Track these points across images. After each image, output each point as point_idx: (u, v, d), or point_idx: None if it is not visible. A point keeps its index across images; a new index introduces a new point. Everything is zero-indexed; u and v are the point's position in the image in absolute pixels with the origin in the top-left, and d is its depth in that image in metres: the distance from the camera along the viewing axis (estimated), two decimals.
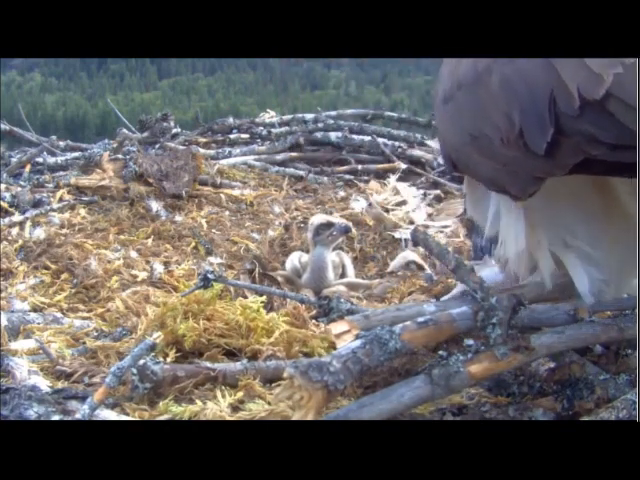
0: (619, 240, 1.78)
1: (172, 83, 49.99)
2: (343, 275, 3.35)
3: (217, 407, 1.66)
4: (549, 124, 1.45)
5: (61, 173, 4.56)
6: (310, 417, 1.34)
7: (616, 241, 1.79)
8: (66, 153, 5.24)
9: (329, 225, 3.24)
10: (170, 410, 1.66)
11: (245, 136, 5.71)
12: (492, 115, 1.59)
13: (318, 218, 3.36)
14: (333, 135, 5.52)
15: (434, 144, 5.42)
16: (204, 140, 5.61)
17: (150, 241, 3.56)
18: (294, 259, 3.36)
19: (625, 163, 1.42)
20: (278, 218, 4.09)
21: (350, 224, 3.46)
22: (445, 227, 3.93)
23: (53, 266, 3.08)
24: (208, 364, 1.85)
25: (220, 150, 5.29)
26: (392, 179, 4.54)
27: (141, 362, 1.73)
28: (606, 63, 1.41)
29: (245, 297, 2.39)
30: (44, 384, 1.84)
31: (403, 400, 1.47)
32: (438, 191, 4.60)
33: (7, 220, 3.57)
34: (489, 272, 2.09)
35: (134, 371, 1.72)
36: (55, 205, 3.87)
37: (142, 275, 3.08)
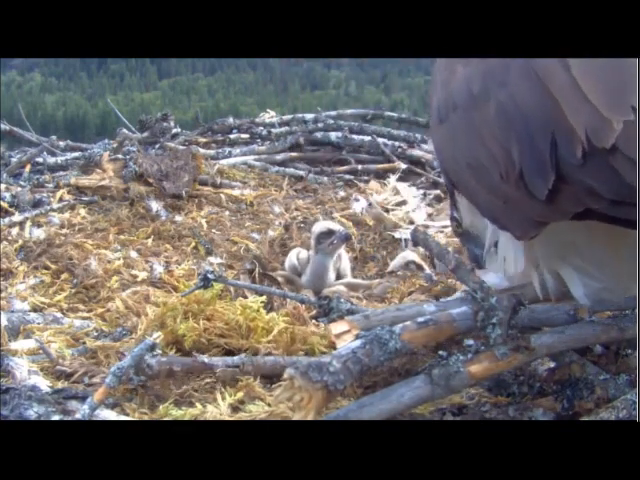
0: (623, 256, 1.72)
1: (172, 83, 49.99)
2: (339, 271, 3.34)
3: (217, 410, 1.66)
4: (550, 170, 1.39)
5: (61, 173, 4.55)
6: (310, 418, 1.34)
7: (620, 258, 1.73)
8: (66, 153, 5.23)
9: (330, 233, 3.22)
10: (170, 414, 1.66)
11: (245, 136, 5.70)
12: (490, 146, 1.54)
13: (319, 226, 3.33)
14: (333, 135, 5.51)
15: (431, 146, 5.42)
16: (204, 140, 5.60)
17: (150, 241, 3.55)
18: (292, 256, 3.36)
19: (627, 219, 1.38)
20: (278, 218, 4.09)
21: (350, 232, 3.44)
22: (445, 227, 3.92)
23: (53, 266, 3.08)
24: (205, 358, 1.84)
25: (220, 150, 5.28)
26: (392, 179, 4.54)
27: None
28: (615, 106, 1.34)
29: (245, 297, 2.39)
30: (44, 384, 1.84)
31: (403, 400, 1.47)
32: (438, 191, 4.59)
33: (7, 220, 3.57)
34: (494, 278, 2.07)
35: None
36: (55, 205, 3.86)
37: (142, 275, 3.08)
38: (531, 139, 1.43)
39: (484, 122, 1.55)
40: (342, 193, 4.56)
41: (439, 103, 1.77)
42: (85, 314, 2.68)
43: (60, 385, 1.88)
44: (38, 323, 2.46)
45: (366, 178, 4.91)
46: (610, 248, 1.72)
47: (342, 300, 2.01)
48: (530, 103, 1.44)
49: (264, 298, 2.16)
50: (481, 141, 1.57)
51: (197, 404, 1.70)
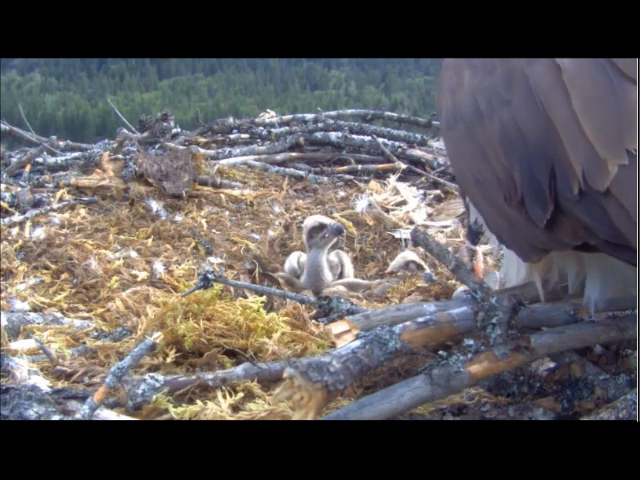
0: None
1: (172, 83, 50.01)
2: (342, 275, 3.35)
3: (217, 407, 1.66)
4: (549, 200, 1.39)
5: (61, 173, 4.56)
6: (310, 417, 1.34)
7: None
8: (66, 153, 5.24)
9: (321, 227, 3.23)
10: (168, 409, 1.65)
11: (245, 136, 5.70)
12: (494, 165, 1.53)
13: (310, 220, 3.33)
14: (333, 135, 5.51)
15: (436, 144, 5.41)
16: (204, 140, 5.60)
17: (150, 241, 3.56)
18: (292, 260, 3.36)
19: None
20: (278, 218, 4.09)
21: (342, 225, 3.44)
22: (445, 227, 3.93)
23: (53, 266, 3.08)
24: (208, 375, 1.80)
25: (220, 150, 5.28)
26: (392, 179, 4.54)
27: (139, 391, 1.69)
28: (612, 147, 1.33)
29: (245, 297, 2.39)
30: (44, 384, 1.84)
31: (403, 400, 1.47)
32: (438, 191, 4.60)
33: (7, 220, 3.58)
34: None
35: (130, 403, 1.68)
36: (55, 205, 3.87)
37: (142, 275, 3.08)
38: (532, 167, 1.43)
39: (488, 141, 1.55)
40: (342, 193, 4.56)
41: (447, 110, 1.76)
42: (85, 314, 2.68)
43: (60, 385, 1.88)
44: (38, 323, 2.46)
45: (366, 178, 4.91)
46: None
47: (342, 300, 2.02)
48: (532, 129, 1.44)
49: (264, 298, 2.16)
50: (486, 159, 1.56)
51: (197, 401, 1.69)
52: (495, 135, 1.51)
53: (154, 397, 1.68)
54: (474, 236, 2.21)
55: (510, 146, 1.48)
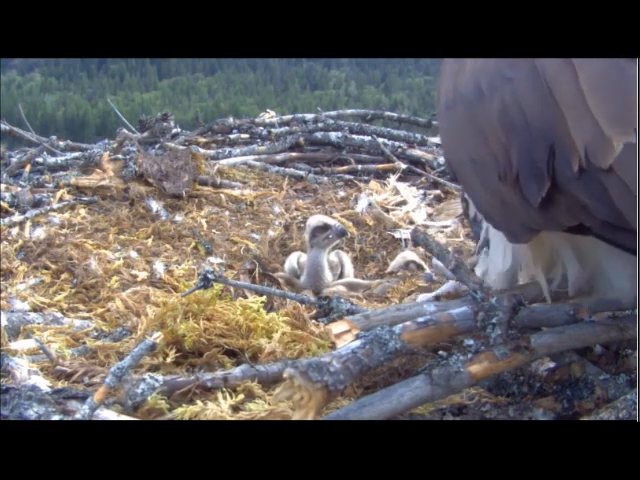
0: None
1: (172, 83, 50.04)
2: (342, 275, 3.35)
3: (218, 408, 1.66)
4: (546, 178, 1.37)
5: (61, 173, 4.56)
6: (310, 417, 1.34)
7: None
8: (66, 153, 5.24)
9: (325, 228, 3.22)
10: (163, 408, 1.65)
11: (245, 136, 5.71)
12: (491, 144, 1.52)
13: (314, 220, 3.33)
14: (333, 135, 5.51)
15: (437, 139, 5.41)
16: (204, 140, 5.60)
17: (150, 241, 3.56)
18: (292, 260, 3.36)
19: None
20: (278, 218, 4.09)
21: (345, 227, 3.43)
22: (445, 227, 3.93)
23: (53, 266, 3.08)
24: (207, 376, 1.79)
25: (220, 150, 5.29)
26: (392, 179, 4.54)
27: (138, 390, 1.68)
28: (618, 125, 1.30)
29: (245, 297, 2.39)
30: (44, 384, 1.84)
31: (403, 400, 1.47)
32: (438, 191, 4.60)
33: (7, 220, 3.58)
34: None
35: (129, 402, 1.67)
36: (55, 205, 3.87)
37: (142, 275, 3.08)
38: (531, 143, 1.41)
39: (488, 119, 1.53)
40: (342, 193, 4.57)
41: (447, 91, 1.76)
42: (85, 314, 2.68)
43: (60, 385, 1.88)
44: (38, 323, 2.46)
45: (366, 178, 4.92)
46: None
47: (342, 300, 2.02)
48: (534, 107, 1.42)
49: (264, 298, 2.16)
50: (483, 137, 1.55)
51: (198, 401, 1.69)
52: (495, 113, 1.50)
53: (148, 397, 1.67)
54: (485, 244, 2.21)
55: (509, 123, 1.46)
